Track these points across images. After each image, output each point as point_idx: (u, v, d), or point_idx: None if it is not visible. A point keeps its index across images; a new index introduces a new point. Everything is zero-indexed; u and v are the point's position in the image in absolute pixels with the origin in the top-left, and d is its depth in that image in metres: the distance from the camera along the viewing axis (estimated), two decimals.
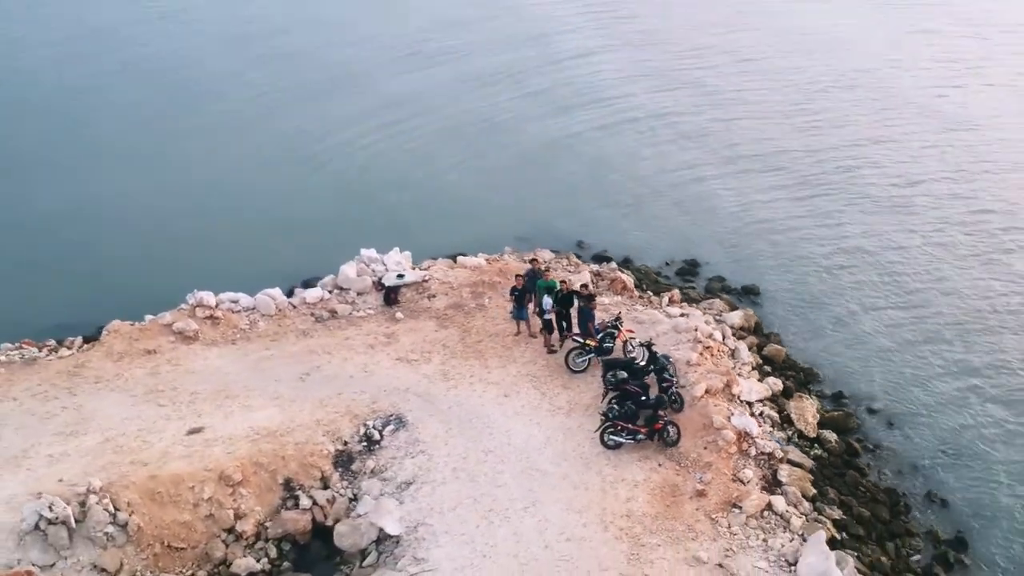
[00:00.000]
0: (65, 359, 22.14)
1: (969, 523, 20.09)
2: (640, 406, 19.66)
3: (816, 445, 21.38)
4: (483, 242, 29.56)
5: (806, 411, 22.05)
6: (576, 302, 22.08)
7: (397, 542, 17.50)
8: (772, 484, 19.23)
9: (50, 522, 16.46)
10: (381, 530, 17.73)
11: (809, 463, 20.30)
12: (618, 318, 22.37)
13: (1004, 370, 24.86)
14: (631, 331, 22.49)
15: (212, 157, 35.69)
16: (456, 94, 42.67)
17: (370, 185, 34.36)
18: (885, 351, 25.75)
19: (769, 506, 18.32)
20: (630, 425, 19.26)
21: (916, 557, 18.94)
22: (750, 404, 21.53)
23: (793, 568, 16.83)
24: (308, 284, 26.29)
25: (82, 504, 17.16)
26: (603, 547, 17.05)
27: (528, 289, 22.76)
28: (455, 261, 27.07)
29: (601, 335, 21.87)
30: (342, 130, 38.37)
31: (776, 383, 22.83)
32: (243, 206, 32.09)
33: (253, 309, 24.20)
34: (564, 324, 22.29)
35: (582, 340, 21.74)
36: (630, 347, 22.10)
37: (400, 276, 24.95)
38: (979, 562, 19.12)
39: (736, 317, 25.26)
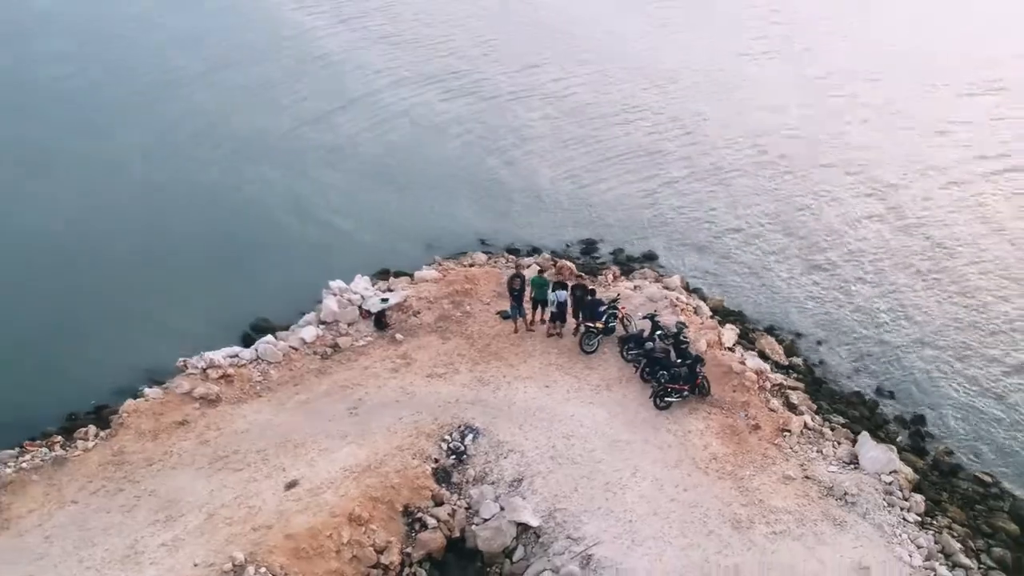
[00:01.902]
0: (95, 451, 20.71)
1: (914, 403, 25.44)
2: (667, 368, 22.66)
3: (790, 370, 25.66)
4: (406, 256, 30.81)
5: (773, 345, 26.27)
6: (581, 293, 24.49)
7: (537, 533, 19.07)
8: (789, 407, 23.13)
9: None
10: (520, 525, 19.20)
11: (801, 385, 24.50)
12: (615, 300, 25.09)
13: (888, 279, 31.02)
14: (624, 308, 25.33)
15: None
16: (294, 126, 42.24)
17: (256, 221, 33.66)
18: (781, 284, 30.86)
19: (804, 424, 22.18)
20: (676, 385, 22.19)
21: (899, 439, 23.78)
22: (731, 349, 25.29)
23: (855, 465, 20.81)
24: (261, 330, 26.18)
25: None
26: (714, 487, 19.92)
27: (523, 288, 24.72)
28: (411, 279, 28.08)
29: (605, 317, 24.48)
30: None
31: (734, 328, 26.80)
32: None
33: (257, 360, 23.87)
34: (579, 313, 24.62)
35: (591, 325, 24.23)
36: (627, 322, 24.94)
37: (384, 300, 25.72)
38: (939, 429, 24.43)
39: (676, 280, 28.90)
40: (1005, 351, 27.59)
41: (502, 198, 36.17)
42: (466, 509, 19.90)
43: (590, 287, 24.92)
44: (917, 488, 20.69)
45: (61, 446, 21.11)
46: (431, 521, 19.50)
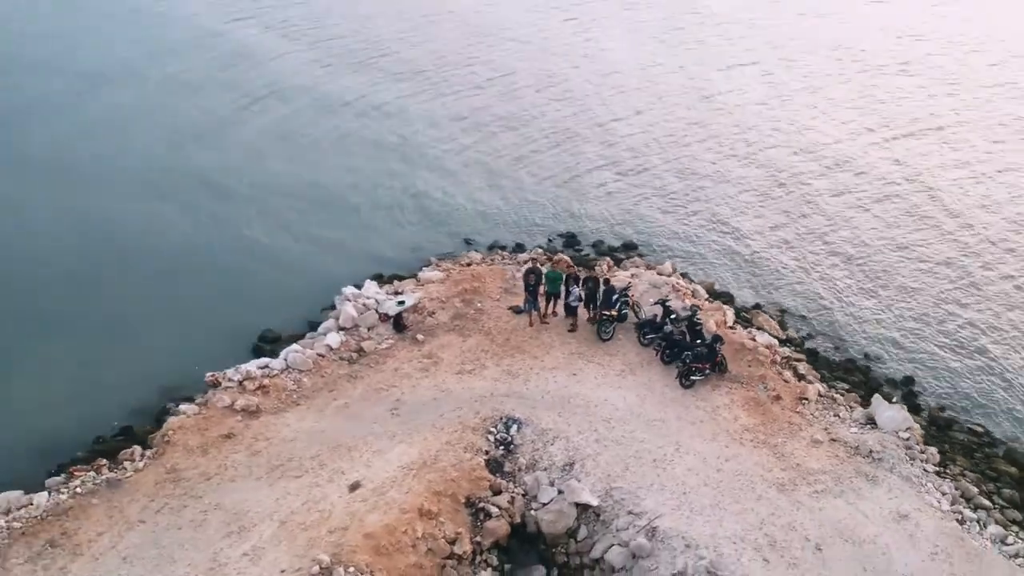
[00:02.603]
0: (147, 471, 20.69)
1: (901, 366, 27.52)
2: (689, 349, 24.04)
3: (788, 343, 27.38)
4: (396, 262, 31.50)
5: (769, 322, 27.96)
6: (593, 284, 25.63)
7: (597, 513, 20.10)
8: (799, 378, 24.80)
9: None
10: (580, 506, 20.19)
11: (803, 356, 26.24)
12: (626, 289, 26.31)
13: (857, 251, 33.25)
14: (633, 296, 26.59)
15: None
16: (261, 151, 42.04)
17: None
18: (758, 264, 32.71)
19: (819, 392, 23.88)
20: (699, 364, 23.56)
21: (895, 399, 25.68)
22: (733, 327, 26.85)
23: (872, 425, 22.57)
24: (269, 341, 26.51)
25: None
26: (753, 456, 21.35)
27: (539, 282, 25.72)
28: (418, 281, 28.70)
29: (618, 305, 25.67)
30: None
31: (729, 308, 28.39)
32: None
33: (287, 369, 24.15)
34: (590, 305, 25.72)
35: (608, 313, 25.39)
36: (637, 309, 26.21)
37: (401, 303, 26.27)
38: (927, 388, 26.53)
39: (668, 267, 30.32)
40: (979, 312, 30.09)
41: (477, 200, 36.83)
42: (523, 496, 20.75)
43: (604, 277, 26.01)
44: (927, 442, 22.56)
45: (108, 469, 21.01)
46: (494, 510, 20.26)
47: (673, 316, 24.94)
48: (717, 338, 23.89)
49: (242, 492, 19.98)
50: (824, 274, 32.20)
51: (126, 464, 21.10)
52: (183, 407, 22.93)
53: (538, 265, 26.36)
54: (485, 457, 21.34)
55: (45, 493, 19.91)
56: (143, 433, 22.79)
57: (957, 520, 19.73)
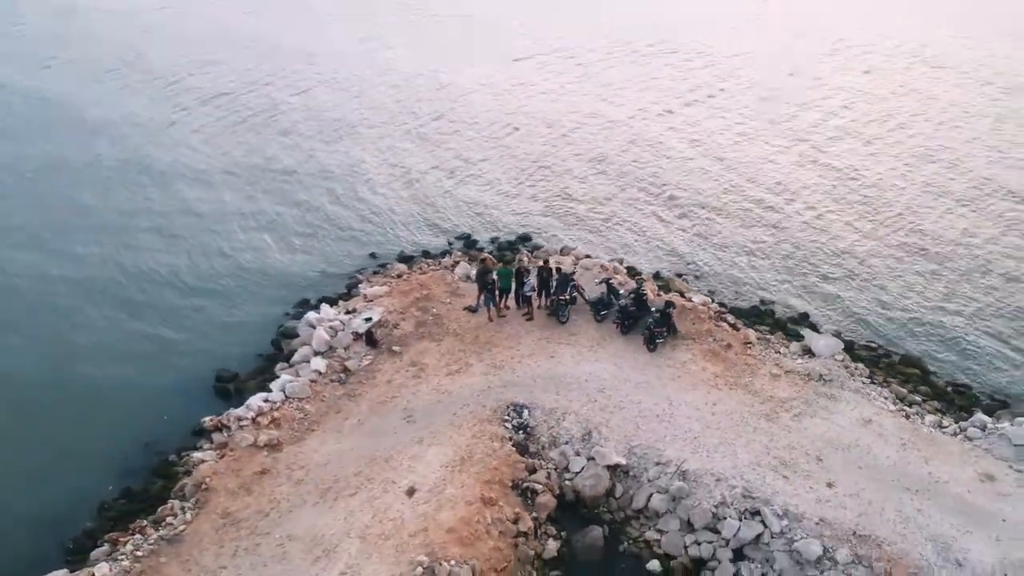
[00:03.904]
0: (199, 520, 20.55)
1: (791, 302, 32.16)
2: (645, 317, 27.10)
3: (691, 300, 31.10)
4: (318, 287, 32.31)
5: (684, 286, 31.63)
6: (547, 274, 27.98)
7: (626, 470, 22.63)
8: (733, 327, 28.57)
9: None
10: (611, 467, 22.61)
11: (724, 309, 30.09)
12: (572, 274, 28.83)
13: (783, 234, 37.65)
14: (577, 280, 29.20)
15: None
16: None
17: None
18: (641, 235, 36.48)
19: (756, 336, 27.72)
20: (660, 329, 26.64)
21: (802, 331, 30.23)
22: (658, 294, 30.24)
23: (810, 355, 26.70)
24: (227, 380, 26.76)
25: None
26: (733, 397, 24.68)
27: (495, 280, 27.69)
28: (365, 298, 29.64)
29: (569, 291, 28.18)
30: None
31: (649, 279, 31.75)
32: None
33: (287, 399, 24.56)
34: (542, 292, 28.04)
35: (563, 298, 27.86)
36: (581, 291, 28.83)
37: (367, 319, 27.26)
38: (820, 318, 31.29)
39: (580, 251, 33.17)
40: (840, 244, 35.59)
41: (359, 217, 38.07)
42: (555, 470, 22.85)
43: (557, 266, 28.41)
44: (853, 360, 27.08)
45: (152, 527, 20.76)
46: (538, 486, 22.23)
47: (624, 292, 27.81)
48: (669, 304, 27.05)
49: (307, 519, 20.57)
50: (704, 237, 36.48)
51: (170, 520, 20.88)
52: (197, 455, 22.81)
53: (488, 264, 28.19)
54: (511, 443, 23.15)
55: (104, 565, 19.44)
56: (153, 490, 22.51)
57: (904, 417, 24.14)
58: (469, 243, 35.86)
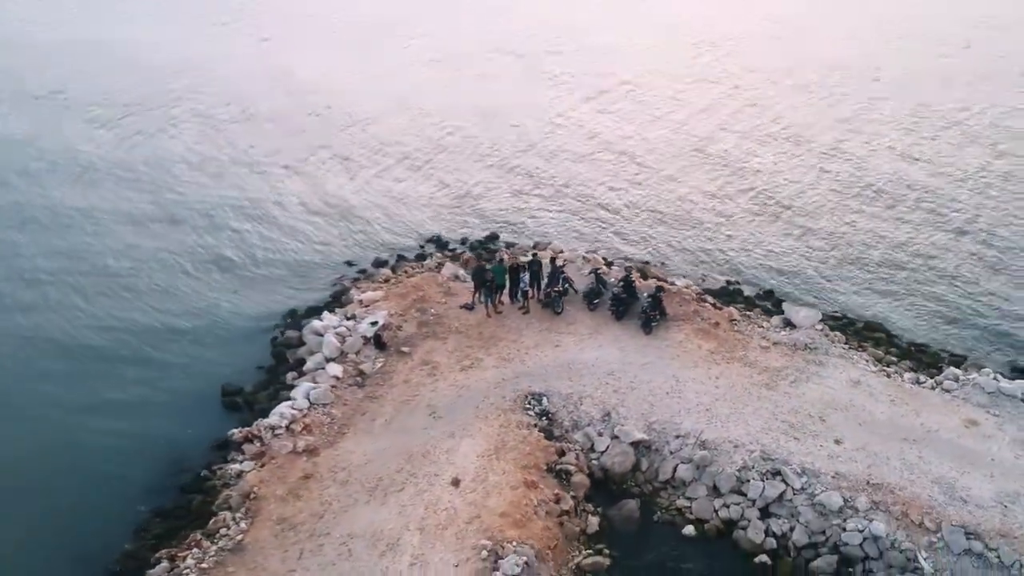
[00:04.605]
0: (255, 529, 20.91)
1: (755, 281, 34.39)
2: (629, 304, 28.73)
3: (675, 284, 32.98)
4: (302, 297, 32.79)
5: (660, 272, 33.41)
6: (538, 268, 29.25)
7: (648, 446, 24.10)
8: (714, 306, 30.47)
9: None
10: (634, 444, 24.06)
11: (702, 290, 32.01)
12: (562, 267, 30.15)
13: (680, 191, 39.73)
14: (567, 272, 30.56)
15: None
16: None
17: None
18: (606, 227, 38.20)
19: (738, 313, 29.70)
20: (653, 313, 28.29)
21: (769, 306, 32.41)
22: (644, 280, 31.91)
23: (792, 327, 28.81)
24: (233, 394, 27.12)
25: (497, 559, 19.91)
26: (732, 370, 26.46)
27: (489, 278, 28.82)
28: (362, 303, 30.24)
29: (561, 283, 29.54)
30: None
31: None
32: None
33: (313, 406, 25.06)
34: (535, 285, 29.30)
35: (558, 290, 29.20)
36: (571, 282, 30.20)
37: (374, 323, 27.95)
38: (785, 294, 33.57)
39: (558, 245, 34.57)
40: (788, 224, 38.12)
41: (323, 229, 38.61)
42: (582, 451, 24.17)
43: (552, 257, 29.69)
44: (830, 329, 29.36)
45: (208, 540, 21.06)
46: (571, 467, 23.50)
47: (613, 281, 29.33)
48: (660, 288, 28.73)
49: (363, 518, 21.24)
50: (661, 219, 38.50)
51: (223, 531, 21.20)
52: (235, 467, 23.16)
53: (483, 263, 29.23)
54: (537, 429, 24.33)
55: None
56: (193, 505, 22.69)
57: (886, 376, 26.47)
58: (440, 244, 36.74)
